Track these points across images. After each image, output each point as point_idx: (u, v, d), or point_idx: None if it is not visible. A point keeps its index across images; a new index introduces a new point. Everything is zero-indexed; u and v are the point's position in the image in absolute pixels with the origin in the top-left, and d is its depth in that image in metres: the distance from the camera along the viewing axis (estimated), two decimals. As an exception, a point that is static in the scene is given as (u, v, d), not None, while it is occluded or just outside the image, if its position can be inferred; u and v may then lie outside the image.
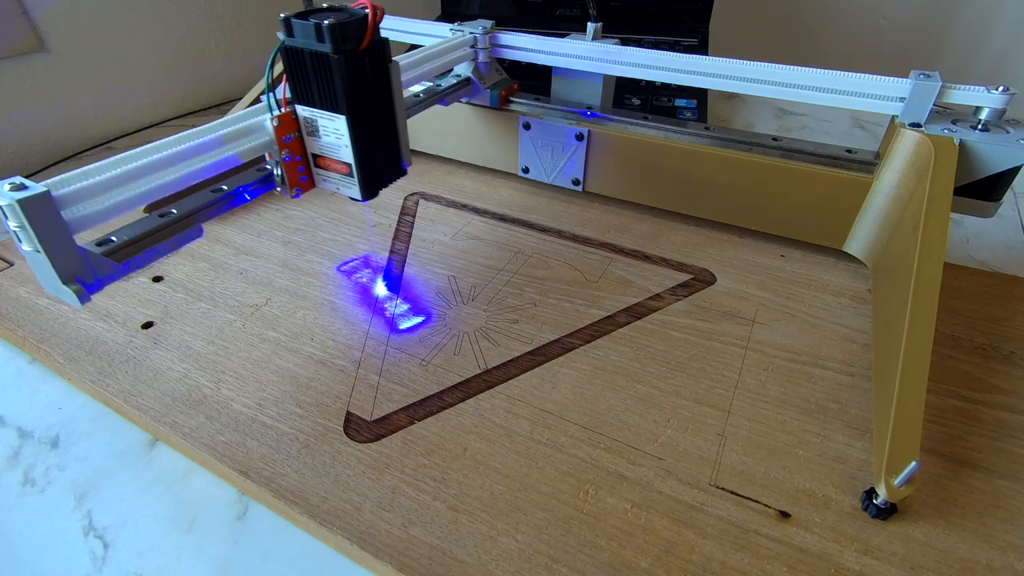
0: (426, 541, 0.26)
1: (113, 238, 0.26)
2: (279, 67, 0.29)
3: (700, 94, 0.67)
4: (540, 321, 0.38)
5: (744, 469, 0.29)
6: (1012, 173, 0.37)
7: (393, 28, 0.52)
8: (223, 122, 0.28)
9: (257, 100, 0.32)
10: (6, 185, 0.21)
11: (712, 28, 0.80)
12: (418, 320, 0.37)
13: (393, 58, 0.32)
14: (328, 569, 0.26)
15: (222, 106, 0.78)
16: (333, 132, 0.30)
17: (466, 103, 0.52)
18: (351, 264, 0.42)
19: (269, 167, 0.32)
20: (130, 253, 0.26)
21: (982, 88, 0.36)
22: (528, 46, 0.48)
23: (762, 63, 0.40)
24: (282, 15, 0.28)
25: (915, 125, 0.37)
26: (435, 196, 0.52)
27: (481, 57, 0.49)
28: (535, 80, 0.53)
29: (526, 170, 0.53)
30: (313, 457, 0.29)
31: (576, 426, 0.31)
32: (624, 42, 0.48)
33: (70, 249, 0.23)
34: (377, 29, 0.29)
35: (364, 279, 0.41)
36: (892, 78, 0.38)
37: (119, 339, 0.36)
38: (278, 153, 0.30)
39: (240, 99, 0.53)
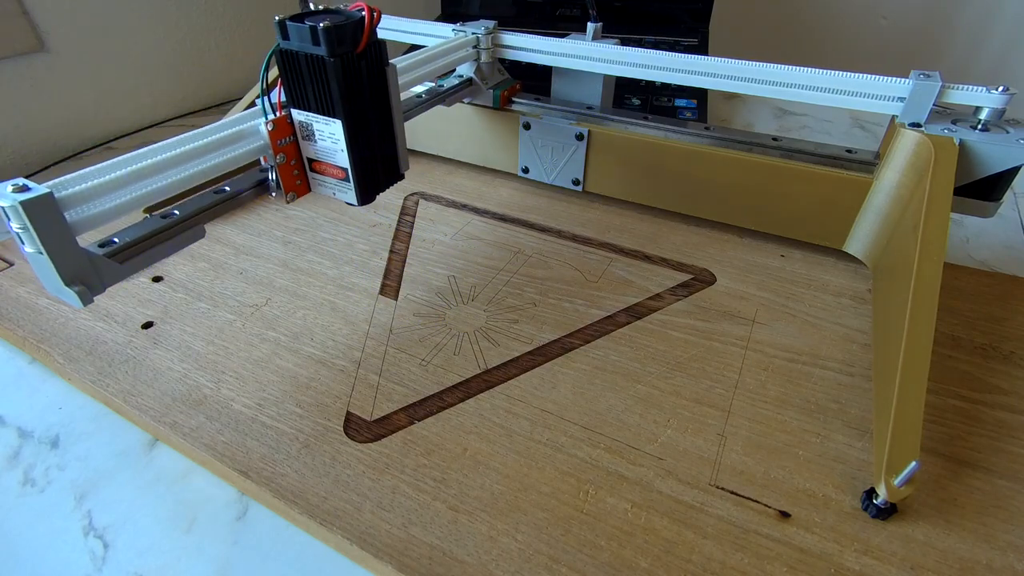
0: (426, 541, 0.26)
1: (115, 239, 0.26)
2: (274, 70, 0.29)
3: (700, 94, 0.67)
4: (540, 321, 0.38)
5: (744, 469, 0.29)
6: (1012, 173, 0.37)
7: (394, 28, 0.52)
8: (217, 126, 0.28)
9: (253, 104, 0.32)
10: (9, 187, 0.21)
11: (712, 28, 0.80)
12: None
13: (391, 61, 0.31)
14: (328, 569, 0.26)
15: (222, 106, 0.78)
16: (329, 136, 0.30)
17: (467, 103, 0.52)
18: None
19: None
20: (133, 254, 0.26)
21: (982, 88, 0.36)
22: (530, 46, 0.48)
23: (762, 63, 0.40)
24: (277, 18, 0.27)
25: (915, 125, 0.37)
26: (435, 196, 0.52)
27: (483, 57, 0.49)
28: (535, 80, 0.53)
29: (526, 170, 0.53)
30: (313, 457, 0.29)
31: (576, 426, 0.31)
32: (624, 42, 0.48)
33: (73, 251, 0.23)
34: (374, 32, 0.29)
35: None
36: (892, 78, 0.38)
37: (119, 339, 0.36)
38: (273, 158, 0.30)
39: (240, 99, 0.53)
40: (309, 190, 0.33)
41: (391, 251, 0.45)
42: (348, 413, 0.32)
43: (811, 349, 0.36)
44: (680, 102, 0.66)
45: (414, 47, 0.51)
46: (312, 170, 0.32)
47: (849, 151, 0.42)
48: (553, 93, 0.52)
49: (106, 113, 0.66)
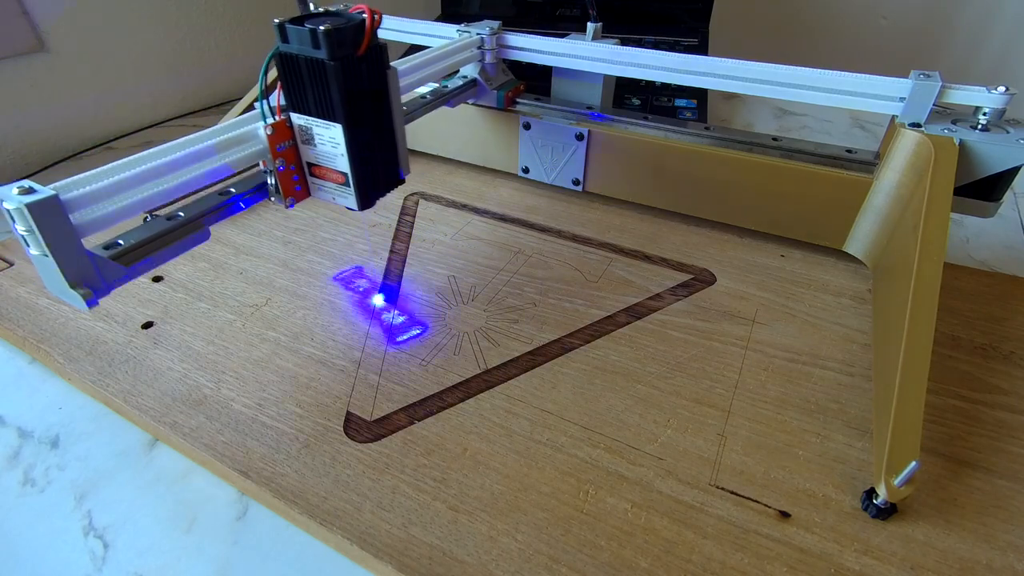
0: (426, 541, 0.26)
1: (120, 241, 0.25)
2: (272, 73, 0.28)
3: (700, 94, 0.67)
4: (540, 321, 0.38)
5: (744, 469, 0.29)
6: (1012, 173, 0.37)
7: (396, 29, 0.52)
8: (214, 130, 0.28)
9: (251, 107, 0.31)
10: (14, 189, 0.21)
11: (712, 28, 0.80)
12: (415, 332, 0.37)
13: (392, 63, 0.31)
14: (328, 569, 0.26)
15: (222, 106, 0.78)
16: (329, 141, 0.29)
17: (470, 104, 0.52)
18: (347, 273, 0.42)
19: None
20: (137, 257, 0.26)
21: (982, 88, 0.36)
22: (534, 47, 0.48)
23: (762, 63, 0.40)
24: (276, 20, 0.27)
25: (915, 125, 0.37)
26: (435, 196, 0.52)
27: (488, 58, 0.49)
28: (535, 80, 0.53)
29: (526, 170, 0.53)
30: (313, 457, 0.29)
31: (576, 426, 0.31)
32: (624, 42, 0.48)
33: (78, 253, 0.23)
34: (375, 34, 0.28)
35: (361, 289, 0.40)
36: (892, 78, 0.38)
37: (119, 339, 0.36)
38: (272, 162, 0.29)
39: (240, 99, 0.53)
40: (309, 195, 0.32)
41: (391, 251, 0.45)
42: (348, 413, 0.32)
43: (811, 349, 0.36)
44: (680, 102, 0.66)
45: (414, 47, 0.51)
46: (312, 175, 0.31)
47: (849, 151, 0.42)
48: (553, 93, 0.52)
49: (106, 113, 0.66)
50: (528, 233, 0.47)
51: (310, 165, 0.31)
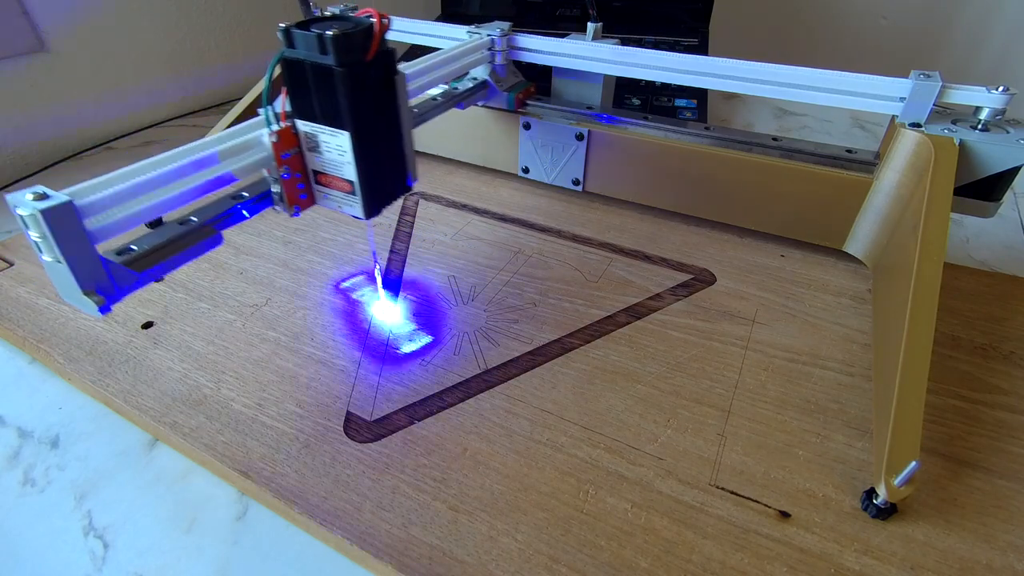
0: (426, 541, 0.26)
1: (133, 247, 0.25)
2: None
3: (700, 94, 0.67)
4: (540, 321, 0.38)
5: (744, 469, 0.29)
6: (1012, 173, 0.37)
7: (404, 30, 0.52)
8: (216, 139, 0.27)
9: (254, 112, 0.31)
10: (28, 195, 0.20)
11: (712, 28, 0.80)
12: (427, 340, 0.36)
13: (400, 68, 0.30)
14: (328, 569, 0.26)
15: (222, 106, 0.78)
16: (335, 148, 0.28)
17: (481, 106, 0.51)
18: (352, 280, 0.42)
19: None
20: (150, 262, 0.25)
21: (982, 88, 0.36)
22: (542, 48, 0.48)
23: (762, 63, 0.40)
24: (282, 25, 0.26)
25: (915, 125, 0.38)
26: (435, 196, 0.52)
27: (498, 60, 0.49)
28: (534, 80, 0.53)
29: (526, 170, 0.53)
30: (313, 457, 0.29)
31: (576, 426, 0.31)
32: (624, 42, 0.48)
33: (92, 259, 0.22)
34: (384, 39, 0.27)
35: (364, 298, 0.40)
36: (892, 78, 0.38)
37: (119, 339, 0.36)
38: (276, 170, 0.29)
39: (240, 99, 0.53)
40: (315, 203, 0.31)
41: (391, 251, 0.45)
42: (348, 413, 0.32)
43: (811, 349, 0.36)
44: (680, 102, 0.67)
45: (414, 47, 0.50)
46: (317, 182, 0.30)
47: (849, 151, 0.42)
48: (553, 93, 0.52)
49: (106, 113, 0.66)
50: (528, 233, 0.47)
51: (316, 173, 0.30)
